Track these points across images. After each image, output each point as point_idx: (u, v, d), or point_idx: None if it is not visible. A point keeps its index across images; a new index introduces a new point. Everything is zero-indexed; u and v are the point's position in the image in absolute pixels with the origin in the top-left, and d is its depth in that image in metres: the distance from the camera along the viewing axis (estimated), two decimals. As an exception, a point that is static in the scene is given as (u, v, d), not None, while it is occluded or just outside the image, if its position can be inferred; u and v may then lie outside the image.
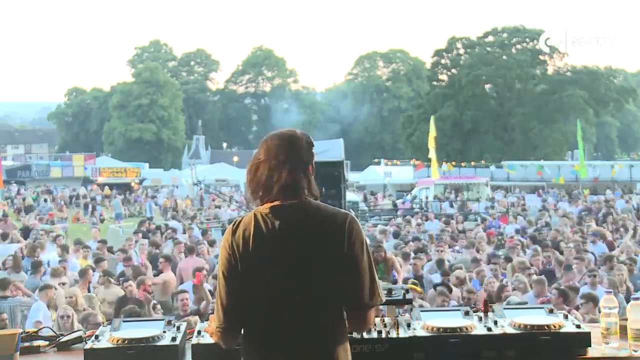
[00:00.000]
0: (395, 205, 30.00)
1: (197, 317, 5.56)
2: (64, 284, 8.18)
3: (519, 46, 53.52)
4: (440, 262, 9.68)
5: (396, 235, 14.21)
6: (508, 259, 9.91)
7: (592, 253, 10.68)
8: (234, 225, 2.35)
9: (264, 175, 2.27)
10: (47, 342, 2.96)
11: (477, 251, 11.16)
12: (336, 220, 2.25)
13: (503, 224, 17.59)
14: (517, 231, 14.92)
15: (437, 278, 8.97)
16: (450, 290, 7.71)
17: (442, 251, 11.06)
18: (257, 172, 2.29)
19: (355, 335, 2.58)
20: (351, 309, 2.26)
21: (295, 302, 2.21)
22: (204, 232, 14.83)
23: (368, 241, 2.22)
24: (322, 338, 2.22)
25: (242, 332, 2.32)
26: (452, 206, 26.78)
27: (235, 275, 2.27)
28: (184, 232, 15.17)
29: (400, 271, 9.46)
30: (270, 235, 2.24)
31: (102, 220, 25.14)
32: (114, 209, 28.05)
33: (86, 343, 2.78)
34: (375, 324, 2.74)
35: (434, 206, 27.06)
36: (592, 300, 6.61)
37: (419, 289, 7.86)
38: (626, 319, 2.73)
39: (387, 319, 2.82)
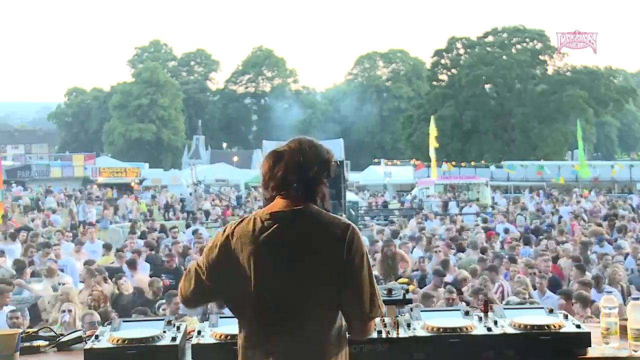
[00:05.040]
0: (386, 204, 30.07)
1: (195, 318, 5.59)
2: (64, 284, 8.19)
3: (519, 46, 53.51)
4: (445, 263, 9.65)
5: (395, 234, 14.19)
6: (512, 260, 9.88)
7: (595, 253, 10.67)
8: (232, 225, 2.34)
9: (288, 167, 2.24)
10: (47, 342, 2.96)
11: (483, 252, 11.10)
12: (337, 230, 2.22)
13: (501, 225, 17.50)
14: (526, 230, 14.97)
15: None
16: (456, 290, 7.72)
17: (440, 251, 11.03)
18: (279, 164, 2.26)
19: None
20: (351, 319, 2.25)
21: (289, 308, 2.20)
22: (194, 232, 14.83)
23: (368, 246, 2.22)
24: (316, 344, 2.21)
25: (239, 332, 2.34)
26: (457, 206, 26.74)
27: (221, 265, 2.28)
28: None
29: (409, 263, 9.51)
30: (267, 241, 2.23)
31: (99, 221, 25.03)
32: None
33: (86, 343, 2.77)
34: (375, 325, 2.74)
35: (433, 206, 27.07)
36: (582, 300, 6.51)
37: (412, 287, 7.87)
38: (626, 319, 2.73)
39: (387, 319, 2.82)
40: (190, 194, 34.43)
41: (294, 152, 2.25)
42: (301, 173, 2.23)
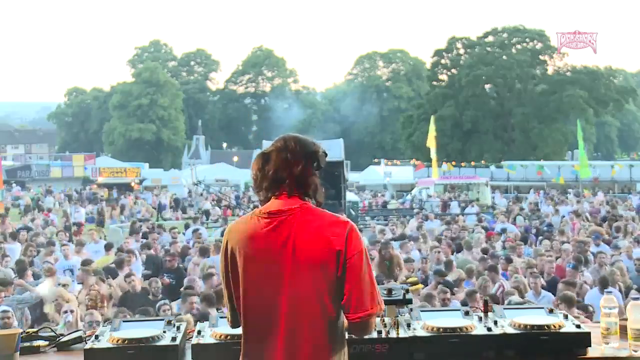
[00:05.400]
0: (385, 204, 30.08)
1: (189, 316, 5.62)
2: (64, 285, 8.18)
3: (519, 46, 53.52)
4: (448, 264, 9.62)
5: (402, 237, 14.13)
6: (508, 260, 9.87)
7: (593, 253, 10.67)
8: (230, 225, 2.40)
9: (277, 166, 2.28)
10: (47, 342, 2.96)
11: (485, 252, 11.09)
12: (334, 228, 2.24)
13: (500, 225, 17.49)
14: (527, 230, 14.97)
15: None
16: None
17: (440, 252, 11.02)
18: (268, 164, 2.30)
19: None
20: (351, 317, 2.26)
21: (289, 307, 2.21)
22: (194, 232, 14.79)
23: (368, 246, 2.23)
24: (316, 343, 2.22)
25: (241, 332, 2.34)
26: (459, 206, 26.72)
27: (230, 275, 2.32)
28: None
29: (403, 268, 9.48)
30: (265, 240, 2.25)
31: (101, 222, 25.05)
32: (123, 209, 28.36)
33: (86, 343, 2.78)
34: (375, 324, 2.74)
35: (434, 206, 27.07)
36: (567, 301, 6.44)
37: (420, 286, 7.89)
38: (626, 319, 2.73)
39: (387, 319, 2.82)
40: (189, 194, 34.45)
41: (280, 150, 2.30)
42: (290, 169, 2.27)
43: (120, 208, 28.27)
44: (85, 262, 9.71)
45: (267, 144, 2.51)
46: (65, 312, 6.69)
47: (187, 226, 17.74)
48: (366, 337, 2.62)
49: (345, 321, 2.29)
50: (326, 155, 2.38)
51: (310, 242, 2.22)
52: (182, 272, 9.81)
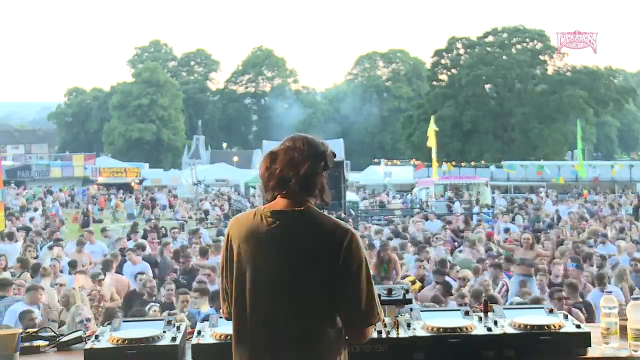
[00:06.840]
0: (383, 204, 30.04)
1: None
2: (61, 285, 8.17)
3: (519, 46, 53.54)
4: (442, 262, 9.61)
5: (396, 234, 14.15)
6: (508, 259, 9.87)
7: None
8: (235, 218, 2.39)
9: (284, 165, 2.26)
10: (47, 342, 2.96)
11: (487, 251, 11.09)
12: (335, 235, 2.22)
13: (502, 224, 17.48)
14: (525, 229, 14.96)
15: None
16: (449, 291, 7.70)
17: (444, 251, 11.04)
18: (276, 163, 2.28)
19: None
20: (348, 324, 2.25)
21: (286, 308, 2.20)
22: (194, 232, 14.56)
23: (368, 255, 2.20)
24: (308, 348, 2.20)
25: (232, 331, 2.33)
26: (461, 206, 26.65)
27: (227, 267, 2.33)
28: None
29: (400, 271, 9.48)
30: (265, 238, 2.24)
31: (100, 221, 25.03)
32: (127, 208, 28.36)
33: (86, 343, 2.77)
34: (374, 328, 2.74)
35: (437, 206, 26.99)
36: (537, 303, 6.43)
37: (418, 285, 7.88)
38: (626, 319, 2.73)
39: (387, 319, 2.81)
40: (171, 191, 34.24)
41: (288, 149, 2.28)
42: (297, 168, 2.25)
43: (152, 206, 28.34)
44: (72, 264, 9.70)
45: (267, 144, 2.52)
46: (81, 322, 6.65)
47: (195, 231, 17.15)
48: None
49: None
50: (334, 155, 2.36)
51: (309, 246, 2.21)
52: (196, 273, 9.62)
